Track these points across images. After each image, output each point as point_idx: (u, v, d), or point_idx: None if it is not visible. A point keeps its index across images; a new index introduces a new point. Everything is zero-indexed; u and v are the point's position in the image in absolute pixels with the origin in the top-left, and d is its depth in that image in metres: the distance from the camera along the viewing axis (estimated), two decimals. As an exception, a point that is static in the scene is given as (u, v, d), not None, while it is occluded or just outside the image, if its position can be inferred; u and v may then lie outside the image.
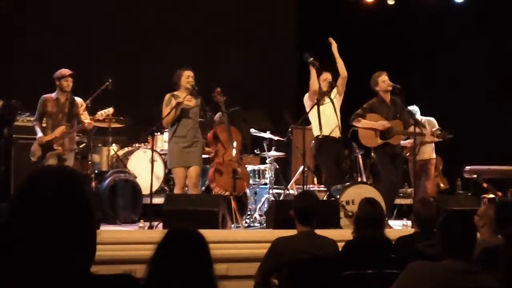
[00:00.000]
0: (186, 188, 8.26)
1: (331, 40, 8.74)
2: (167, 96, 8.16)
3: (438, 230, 3.67)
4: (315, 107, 8.55)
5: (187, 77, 8.14)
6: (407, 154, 9.53)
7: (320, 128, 8.57)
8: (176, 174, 8.17)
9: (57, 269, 1.77)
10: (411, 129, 8.66)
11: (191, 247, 2.64)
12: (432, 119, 9.66)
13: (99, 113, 8.45)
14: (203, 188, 8.96)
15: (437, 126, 9.49)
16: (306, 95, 8.70)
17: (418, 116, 9.58)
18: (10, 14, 11.06)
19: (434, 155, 9.65)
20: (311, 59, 8.61)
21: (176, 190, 8.19)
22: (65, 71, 8.18)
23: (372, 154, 9.02)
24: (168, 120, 8.07)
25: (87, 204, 1.88)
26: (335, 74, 8.76)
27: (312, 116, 8.64)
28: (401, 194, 9.62)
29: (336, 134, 8.64)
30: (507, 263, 3.62)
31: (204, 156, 8.43)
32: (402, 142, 9.09)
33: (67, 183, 1.85)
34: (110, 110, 8.53)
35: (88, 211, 1.88)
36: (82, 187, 1.89)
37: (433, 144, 9.61)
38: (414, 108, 9.60)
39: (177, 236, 2.71)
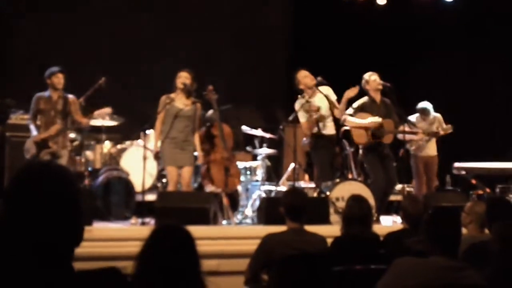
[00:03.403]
0: (179, 185, 8.33)
1: (354, 89, 8.41)
2: (162, 97, 8.22)
3: (424, 226, 3.72)
4: (306, 105, 8.56)
5: (179, 77, 8.20)
6: (412, 148, 9.61)
7: (318, 129, 8.59)
8: (169, 173, 8.23)
9: (42, 266, 1.80)
10: (402, 128, 8.77)
11: (177, 243, 2.67)
12: (439, 115, 9.76)
13: (96, 112, 8.47)
14: (196, 185, 9.03)
15: (444, 124, 9.62)
16: (298, 103, 8.65)
17: (432, 112, 9.68)
18: (3, 12, 11.07)
19: (436, 152, 9.73)
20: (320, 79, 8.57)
21: (170, 188, 8.25)
22: (54, 68, 8.20)
23: (360, 152, 9.05)
24: (159, 120, 8.16)
25: (76, 200, 1.90)
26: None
27: (305, 118, 8.63)
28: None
29: (331, 131, 8.69)
30: (497, 259, 3.69)
31: (195, 153, 8.46)
32: (408, 137, 9.16)
33: (56, 179, 1.89)
34: (108, 110, 8.55)
35: (77, 208, 1.90)
36: (71, 183, 1.92)
37: (435, 141, 9.70)
38: (426, 105, 9.68)
39: (163, 232, 2.74)
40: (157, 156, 8.30)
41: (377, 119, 8.58)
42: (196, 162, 8.49)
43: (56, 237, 1.83)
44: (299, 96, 8.63)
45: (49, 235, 1.82)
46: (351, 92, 8.38)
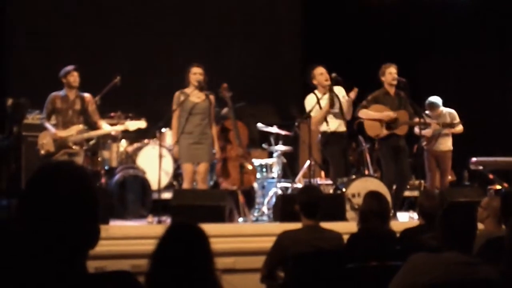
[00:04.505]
0: (195, 183, 8.34)
1: (355, 90, 8.44)
2: (176, 93, 8.25)
3: (439, 222, 3.70)
4: (317, 105, 8.56)
5: (193, 73, 8.21)
6: (424, 143, 9.56)
7: (327, 124, 8.59)
8: (184, 169, 8.25)
9: (56, 267, 1.80)
10: (417, 119, 8.74)
11: (191, 241, 2.67)
12: (453, 111, 9.69)
13: (130, 123, 8.52)
14: (212, 182, 9.04)
15: (457, 118, 9.56)
16: (308, 97, 8.66)
17: (441, 107, 9.62)
18: (18, 12, 11.14)
19: (451, 147, 9.67)
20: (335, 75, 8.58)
21: (185, 185, 8.27)
22: (69, 67, 8.23)
23: (376, 145, 9.03)
24: (175, 117, 8.18)
25: (92, 202, 1.89)
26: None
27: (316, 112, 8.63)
28: (408, 186, 9.63)
29: (342, 129, 8.67)
30: (511, 253, 3.67)
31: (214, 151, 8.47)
32: (422, 132, 9.12)
33: (73, 180, 1.87)
34: (142, 123, 8.57)
35: (93, 209, 1.89)
36: (88, 184, 1.91)
37: (451, 136, 9.63)
38: (434, 99, 9.63)
39: (177, 230, 2.75)
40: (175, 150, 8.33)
41: (391, 114, 8.57)
42: (213, 158, 8.50)
43: (71, 239, 1.83)
44: (314, 92, 8.64)
45: (64, 236, 1.81)
46: (352, 95, 8.41)
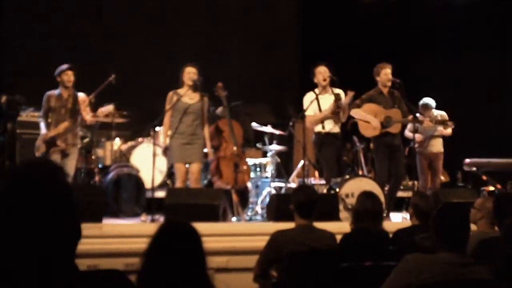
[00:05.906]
0: (188, 182, 8.33)
1: (350, 93, 8.46)
2: (169, 93, 8.23)
3: (432, 222, 3.70)
4: (315, 102, 8.58)
5: (188, 73, 8.19)
6: (416, 146, 9.57)
7: (323, 126, 8.60)
8: (177, 169, 8.23)
9: (44, 266, 1.78)
10: (410, 117, 8.76)
11: (183, 240, 2.66)
12: (444, 113, 9.70)
13: (100, 110, 8.49)
14: (206, 181, 9.03)
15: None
16: (307, 95, 8.68)
17: (434, 109, 9.62)
18: (12, 9, 11.11)
19: (442, 149, 9.68)
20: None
21: (178, 185, 8.25)
22: (64, 66, 8.21)
23: (371, 144, 9.06)
24: (167, 116, 8.16)
25: (65, 198, 1.86)
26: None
27: (312, 112, 8.65)
28: (401, 187, 9.64)
29: (336, 130, 8.69)
30: (505, 254, 3.67)
31: (205, 150, 8.46)
32: (417, 136, 9.14)
33: (46, 177, 1.85)
34: (110, 107, 8.56)
35: (67, 205, 1.86)
36: (58, 180, 1.88)
37: (441, 138, 9.65)
38: (428, 100, 9.64)
39: (169, 229, 2.73)
40: (166, 152, 8.30)
41: (378, 125, 8.58)
42: (206, 158, 8.50)
43: (54, 236, 1.80)
44: (313, 90, 8.66)
45: (46, 235, 1.79)
46: (348, 99, 8.44)
